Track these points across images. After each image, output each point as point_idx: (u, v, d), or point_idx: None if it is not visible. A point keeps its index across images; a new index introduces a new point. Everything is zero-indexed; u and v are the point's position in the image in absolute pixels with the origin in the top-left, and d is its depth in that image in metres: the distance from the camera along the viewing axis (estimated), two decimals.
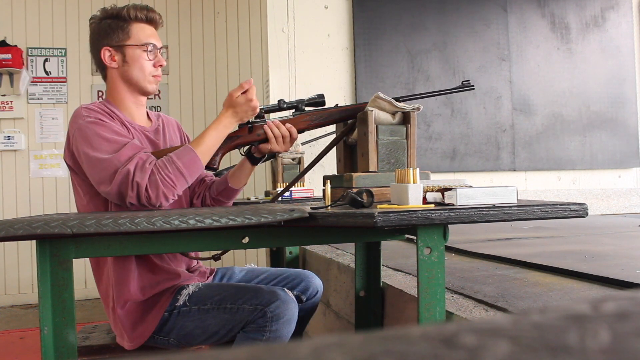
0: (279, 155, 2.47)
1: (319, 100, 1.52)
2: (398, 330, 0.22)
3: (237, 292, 1.42)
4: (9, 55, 4.18)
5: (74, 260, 1.11)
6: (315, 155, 1.52)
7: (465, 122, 4.07)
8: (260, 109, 1.51)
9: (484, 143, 4.12)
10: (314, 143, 3.23)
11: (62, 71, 4.41)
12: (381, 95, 1.30)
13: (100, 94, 4.43)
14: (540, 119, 4.27)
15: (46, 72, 4.39)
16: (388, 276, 1.83)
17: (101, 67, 1.57)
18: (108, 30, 1.52)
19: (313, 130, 1.80)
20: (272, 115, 1.55)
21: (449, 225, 1.05)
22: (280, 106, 1.51)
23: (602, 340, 0.20)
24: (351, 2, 3.85)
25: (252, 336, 1.37)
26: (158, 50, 1.56)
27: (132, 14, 1.52)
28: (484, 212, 0.99)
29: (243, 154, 1.60)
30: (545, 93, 4.30)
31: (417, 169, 1.08)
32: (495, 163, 4.14)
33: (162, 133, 1.62)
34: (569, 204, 1.03)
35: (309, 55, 3.75)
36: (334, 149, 1.50)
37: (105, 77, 1.58)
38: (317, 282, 1.68)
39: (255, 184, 4.09)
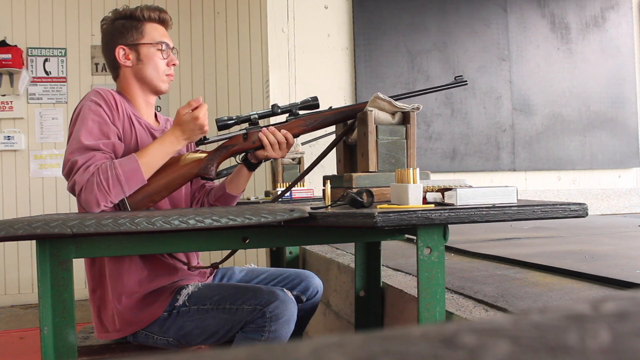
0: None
1: (312, 103, 1.50)
2: (398, 330, 0.22)
3: (236, 292, 1.42)
4: (9, 55, 4.18)
5: (74, 260, 1.11)
6: (315, 155, 1.52)
7: (465, 122, 4.07)
8: (255, 115, 1.50)
9: (484, 143, 4.12)
10: (314, 143, 3.23)
11: (62, 71, 4.41)
12: (381, 95, 1.30)
13: None
14: (540, 119, 4.27)
15: (46, 72, 4.39)
16: (388, 276, 1.83)
17: (113, 67, 1.58)
18: (122, 30, 1.54)
19: None
20: (267, 121, 1.54)
21: (449, 225, 1.05)
22: (274, 111, 1.49)
23: (602, 340, 0.20)
24: (351, 2, 3.85)
25: (251, 336, 1.37)
26: (170, 50, 1.58)
27: (145, 14, 1.55)
28: (484, 212, 0.99)
29: (239, 161, 1.59)
30: (545, 93, 4.30)
31: (417, 169, 1.08)
32: (495, 163, 4.14)
33: None
34: (569, 204, 1.03)
35: (309, 55, 3.75)
36: (334, 149, 1.50)
37: (116, 77, 1.59)
38: (317, 282, 1.68)
39: (255, 184, 4.09)
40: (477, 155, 4.09)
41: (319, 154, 1.50)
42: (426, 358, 0.19)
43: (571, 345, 0.20)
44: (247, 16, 4.29)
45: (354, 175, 1.28)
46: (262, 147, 1.49)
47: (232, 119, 1.48)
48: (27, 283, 4.29)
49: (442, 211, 0.97)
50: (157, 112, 1.68)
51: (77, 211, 1.50)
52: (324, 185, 1.28)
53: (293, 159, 2.55)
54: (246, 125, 1.52)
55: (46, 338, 1.07)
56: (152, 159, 1.41)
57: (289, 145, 1.49)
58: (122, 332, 1.44)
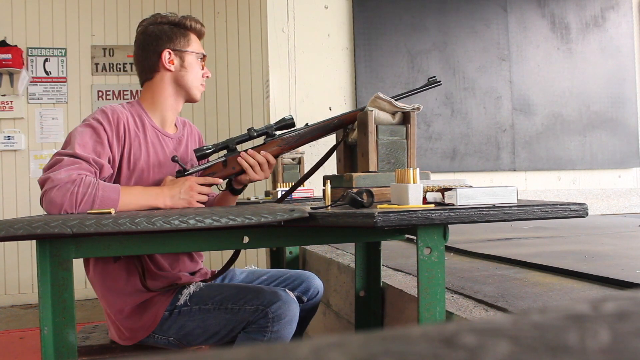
0: (280, 156, 2.47)
1: (288, 122, 1.49)
2: (398, 330, 0.22)
3: (238, 293, 1.42)
4: (9, 55, 4.19)
5: (74, 260, 1.11)
6: (315, 155, 1.52)
7: (465, 122, 4.07)
8: (232, 140, 1.49)
9: (484, 143, 4.12)
10: (314, 142, 3.22)
11: (62, 71, 4.41)
12: (381, 95, 1.30)
13: (100, 94, 4.43)
14: (540, 119, 4.27)
15: (46, 72, 4.39)
16: (388, 276, 1.83)
17: (151, 69, 1.58)
18: (170, 34, 1.57)
19: None
20: (245, 146, 1.53)
21: (449, 225, 1.05)
22: (250, 135, 1.48)
23: (602, 340, 0.20)
24: (351, 2, 3.85)
25: (253, 337, 1.37)
26: (204, 62, 1.64)
27: (192, 24, 1.60)
28: (484, 212, 0.99)
29: (221, 189, 1.58)
30: (545, 93, 4.30)
31: (417, 169, 1.08)
32: (495, 163, 4.14)
33: (185, 144, 1.64)
34: (569, 204, 1.03)
35: (309, 55, 3.75)
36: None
37: (148, 80, 1.59)
38: (317, 283, 1.68)
39: (255, 184, 4.09)
40: (477, 155, 4.09)
41: (319, 159, 1.50)
42: (426, 358, 0.19)
43: (571, 345, 0.20)
44: (247, 16, 4.29)
45: (354, 175, 1.28)
46: (242, 171, 1.48)
47: (210, 148, 1.47)
48: (27, 283, 4.29)
49: (442, 211, 0.97)
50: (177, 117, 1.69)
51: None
52: (324, 185, 1.28)
53: (293, 159, 2.55)
54: (225, 152, 1.51)
55: (46, 338, 1.07)
56: (132, 201, 1.36)
57: (270, 165, 1.48)
58: (133, 339, 1.46)
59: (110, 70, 4.44)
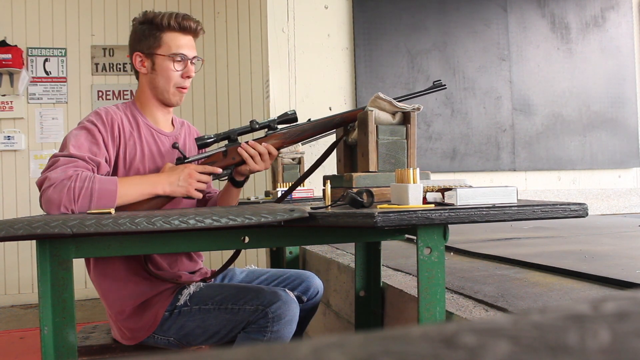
0: (280, 155, 2.47)
1: (290, 117, 1.48)
2: (398, 330, 0.22)
3: (238, 293, 1.42)
4: (9, 55, 4.18)
5: (74, 260, 1.11)
6: (315, 155, 1.52)
7: (465, 122, 4.07)
8: (233, 131, 1.49)
9: (484, 143, 4.12)
10: (314, 143, 3.22)
11: (62, 71, 4.41)
12: (381, 95, 1.30)
13: (100, 94, 4.43)
14: (540, 119, 4.27)
15: (46, 72, 4.39)
16: (388, 276, 1.83)
17: (135, 71, 1.59)
18: (141, 36, 1.53)
19: None
20: (246, 137, 1.53)
21: (449, 225, 1.05)
22: (252, 127, 1.46)
23: (602, 340, 0.20)
24: (351, 2, 3.85)
25: (253, 336, 1.37)
26: (189, 61, 1.54)
27: (165, 21, 1.51)
28: (484, 212, 0.99)
29: (220, 180, 1.57)
30: (545, 93, 4.29)
31: (417, 169, 1.08)
32: (495, 163, 4.14)
33: (182, 143, 1.64)
34: (569, 204, 1.03)
35: (309, 55, 3.75)
36: (334, 149, 1.49)
37: (137, 80, 1.61)
38: (317, 283, 1.68)
39: (255, 184, 4.09)
40: (477, 155, 4.09)
41: (319, 157, 1.50)
42: (426, 358, 0.19)
43: (571, 345, 0.20)
44: (247, 16, 4.29)
45: (354, 175, 1.28)
46: (242, 162, 1.47)
47: (211, 138, 1.46)
48: (27, 283, 4.29)
49: (442, 211, 0.97)
50: (173, 117, 1.68)
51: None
52: (324, 185, 1.28)
53: (293, 159, 2.55)
54: (226, 142, 1.50)
55: (46, 338, 1.07)
56: (130, 190, 1.35)
57: (272, 156, 1.46)
58: (134, 340, 1.47)
59: (110, 70, 4.44)
